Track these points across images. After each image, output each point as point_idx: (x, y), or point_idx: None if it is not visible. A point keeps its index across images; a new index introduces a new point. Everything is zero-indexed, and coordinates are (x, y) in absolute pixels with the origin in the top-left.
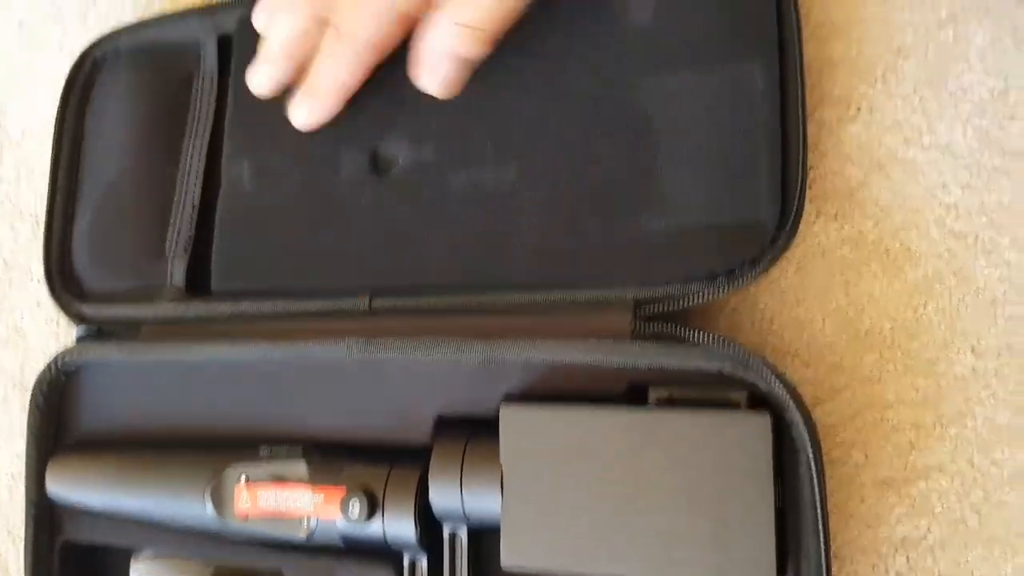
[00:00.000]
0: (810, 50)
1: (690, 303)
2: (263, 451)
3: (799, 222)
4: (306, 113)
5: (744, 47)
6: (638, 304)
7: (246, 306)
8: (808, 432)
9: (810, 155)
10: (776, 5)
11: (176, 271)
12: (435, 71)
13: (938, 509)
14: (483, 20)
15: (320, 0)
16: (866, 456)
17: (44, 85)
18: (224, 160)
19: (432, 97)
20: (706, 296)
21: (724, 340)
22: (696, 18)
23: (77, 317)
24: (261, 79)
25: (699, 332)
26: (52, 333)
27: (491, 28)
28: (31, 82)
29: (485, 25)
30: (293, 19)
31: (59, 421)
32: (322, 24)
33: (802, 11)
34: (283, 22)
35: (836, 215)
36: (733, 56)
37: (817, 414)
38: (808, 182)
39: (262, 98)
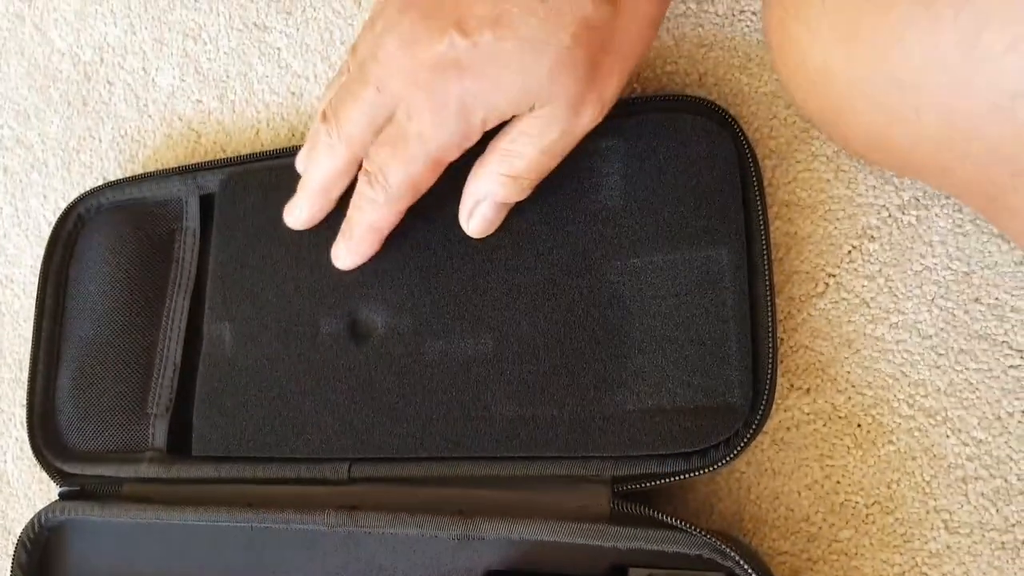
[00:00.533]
0: (777, 228)
1: (666, 481)
2: None
3: (771, 406)
4: (343, 255)
5: (711, 228)
6: (615, 481)
7: (227, 469)
8: None
9: (781, 328)
10: (741, 187)
11: (158, 432)
12: (475, 214)
13: None
14: (528, 171)
15: (357, 143)
16: None
17: (28, 233)
18: (205, 320)
19: (411, 267)
20: (682, 476)
21: (702, 530)
22: (664, 201)
23: (59, 475)
24: (298, 214)
25: (678, 520)
26: (35, 478)
27: (534, 177)
28: (15, 229)
29: (529, 175)
30: (330, 161)
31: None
32: (358, 165)
33: (768, 191)
34: (321, 162)
35: (808, 389)
36: (700, 237)
37: None
38: (779, 355)
39: (300, 229)
